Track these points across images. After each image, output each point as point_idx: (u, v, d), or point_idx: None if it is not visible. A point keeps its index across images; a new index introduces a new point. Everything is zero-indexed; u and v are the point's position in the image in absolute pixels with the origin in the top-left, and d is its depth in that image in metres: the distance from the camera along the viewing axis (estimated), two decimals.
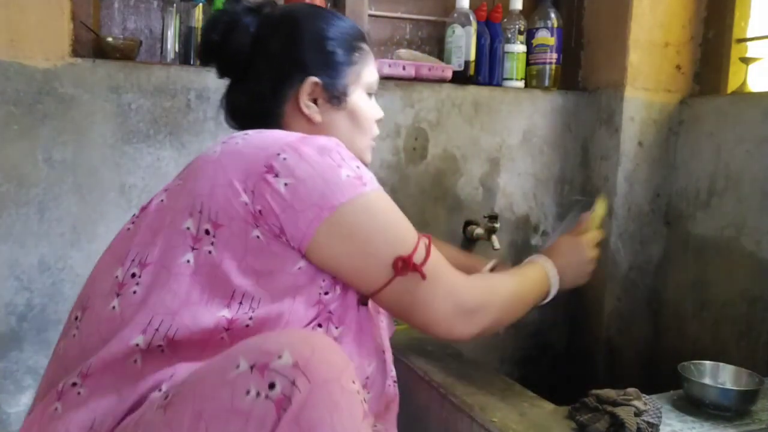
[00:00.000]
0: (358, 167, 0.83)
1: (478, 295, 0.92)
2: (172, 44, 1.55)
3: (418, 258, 0.84)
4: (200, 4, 1.56)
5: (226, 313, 0.77)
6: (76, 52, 1.43)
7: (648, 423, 1.03)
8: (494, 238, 1.64)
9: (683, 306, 1.69)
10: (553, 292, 1.12)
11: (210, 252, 0.78)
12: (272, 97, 0.96)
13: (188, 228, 0.79)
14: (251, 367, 0.64)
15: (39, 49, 1.37)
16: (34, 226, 1.39)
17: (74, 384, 0.75)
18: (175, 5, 1.54)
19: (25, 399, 1.41)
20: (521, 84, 1.78)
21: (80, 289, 1.39)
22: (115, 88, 1.42)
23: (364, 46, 1.01)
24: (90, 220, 1.42)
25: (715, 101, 1.64)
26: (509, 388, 1.22)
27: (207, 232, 0.78)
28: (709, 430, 1.09)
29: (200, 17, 1.56)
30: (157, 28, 1.60)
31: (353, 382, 0.67)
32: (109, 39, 1.47)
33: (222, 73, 1.00)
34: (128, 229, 0.87)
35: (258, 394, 0.62)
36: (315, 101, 0.96)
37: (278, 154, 0.80)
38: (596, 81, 1.80)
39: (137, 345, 0.75)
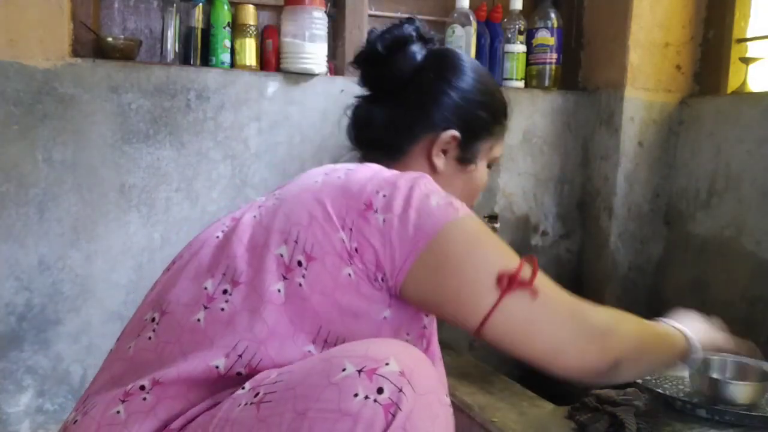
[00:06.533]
0: (447, 195, 0.83)
1: (605, 317, 0.83)
2: (172, 44, 1.55)
3: (524, 275, 0.77)
4: (200, 4, 1.56)
5: (312, 350, 0.76)
6: (76, 52, 1.43)
7: (648, 423, 1.03)
8: None
9: (683, 306, 1.69)
10: (695, 345, 0.99)
11: (300, 284, 0.76)
12: (407, 131, 0.95)
13: (282, 255, 0.78)
14: (359, 371, 0.65)
15: (39, 49, 1.37)
16: (34, 225, 1.39)
17: (142, 387, 0.74)
18: (175, 5, 1.54)
19: (25, 399, 1.41)
20: (521, 84, 1.78)
21: (80, 289, 1.42)
22: (115, 88, 1.42)
23: (505, 122, 1.02)
24: (90, 220, 1.42)
25: (715, 101, 1.64)
26: (509, 388, 1.22)
27: (299, 263, 0.77)
28: (709, 429, 1.09)
29: (200, 17, 1.56)
30: (157, 28, 1.60)
31: (446, 396, 0.70)
32: (109, 39, 1.47)
33: (368, 84, 1.00)
34: (217, 237, 0.85)
35: (366, 397, 0.64)
36: (444, 152, 0.96)
37: (377, 191, 0.80)
38: (596, 81, 1.80)
39: (216, 367, 0.74)
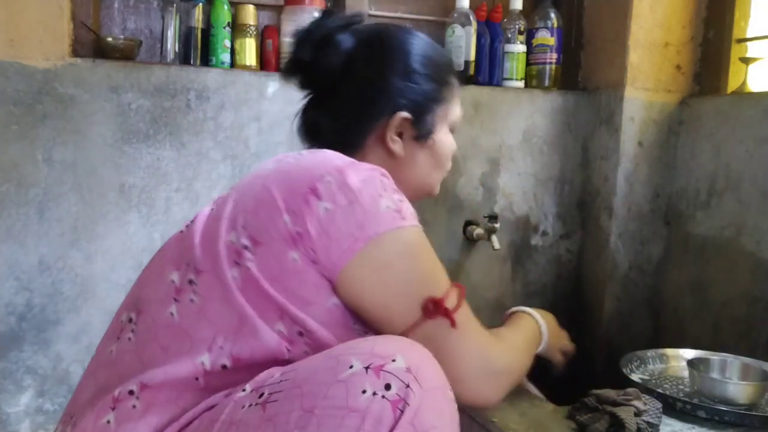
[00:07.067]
0: (400, 200, 0.81)
1: (505, 356, 0.88)
2: (172, 44, 1.55)
3: (449, 303, 0.80)
4: (200, 4, 1.56)
5: (282, 328, 0.76)
6: (76, 52, 1.43)
7: (648, 423, 1.03)
8: (494, 238, 1.64)
9: (683, 306, 1.69)
10: (543, 347, 1.08)
11: (249, 269, 0.76)
12: (356, 124, 0.93)
13: (232, 241, 0.78)
14: (366, 368, 0.66)
15: (39, 49, 1.37)
16: (34, 226, 1.39)
17: (131, 392, 0.74)
18: (175, 5, 1.54)
19: (25, 399, 1.41)
20: (521, 84, 1.78)
21: (80, 289, 1.41)
22: (115, 88, 1.42)
23: (454, 81, 0.99)
24: (90, 220, 1.42)
25: (715, 101, 1.64)
26: None
27: (246, 247, 0.77)
28: (709, 430, 1.09)
29: (200, 17, 1.56)
30: (157, 28, 1.60)
31: (450, 391, 0.70)
32: (109, 39, 1.47)
33: (305, 88, 0.98)
34: (181, 231, 0.86)
35: (374, 393, 0.64)
36: (400, 135, 0.94)
37: (323, 176, 0.78)
38: (596, 81, 1.80)
39: (202, 363, 0.75)
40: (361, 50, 0.94)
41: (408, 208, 0.82)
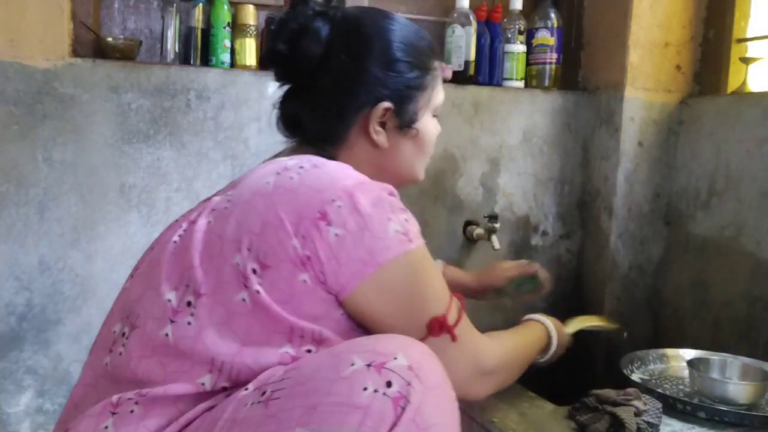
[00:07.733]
0: (406, 220, 0.81)
1: (497, 358, 0.91)
2: (172, 44, 1.55)
3: (451, 319, 0.83)
4: (200, 4, 1.56)
5: (289, 350, 0.76)
6: (76, 52, 1.44)
7: (648, 423, 1.03)
8: (494, 238, 1.64)
9: (683, 306, 1.69)
10: (552, 351, 1.13)
11: (258, 292, 0.75)
12: (338, 117, 0.91)
13: (237, 264, 0.76)
14: (368, 365, 0.66)
15: (39, 49, 1.37)
16: (34, 226, 1.39)
17: (129, 399, 0.74)
18: (175, 5, 1.54)
19: (25, 399, 1.41)
20: (521, 84, 1.78)
21: (80, 289, 1.41)
22: (115, 88, 1.42)
23: (436, 64, 0.97)
24: (90, 220, 1.42)
25: (715, 101, 1.64)
26: (509, 387, 1.21)
27: (254, 271, 0.76)
28: (709, 430, 1.09)
29: (200, 17, 1.56)
30: (157, 28, 1.60)
31: (451, 390, 0.71)
32: (109, 39, 1.47)
33: (282, 80, 0.95)
34: (174, 242, 0.82)
35: (376, 390, 0.65)
36: (383, 125, 0.92)
37: (333, 200, 0.78)
38: (596, 81, 1.80)
39: (203, 384, 0.75)
40: (338, 39, 0.91)
41: (413, 227, 0.82)
